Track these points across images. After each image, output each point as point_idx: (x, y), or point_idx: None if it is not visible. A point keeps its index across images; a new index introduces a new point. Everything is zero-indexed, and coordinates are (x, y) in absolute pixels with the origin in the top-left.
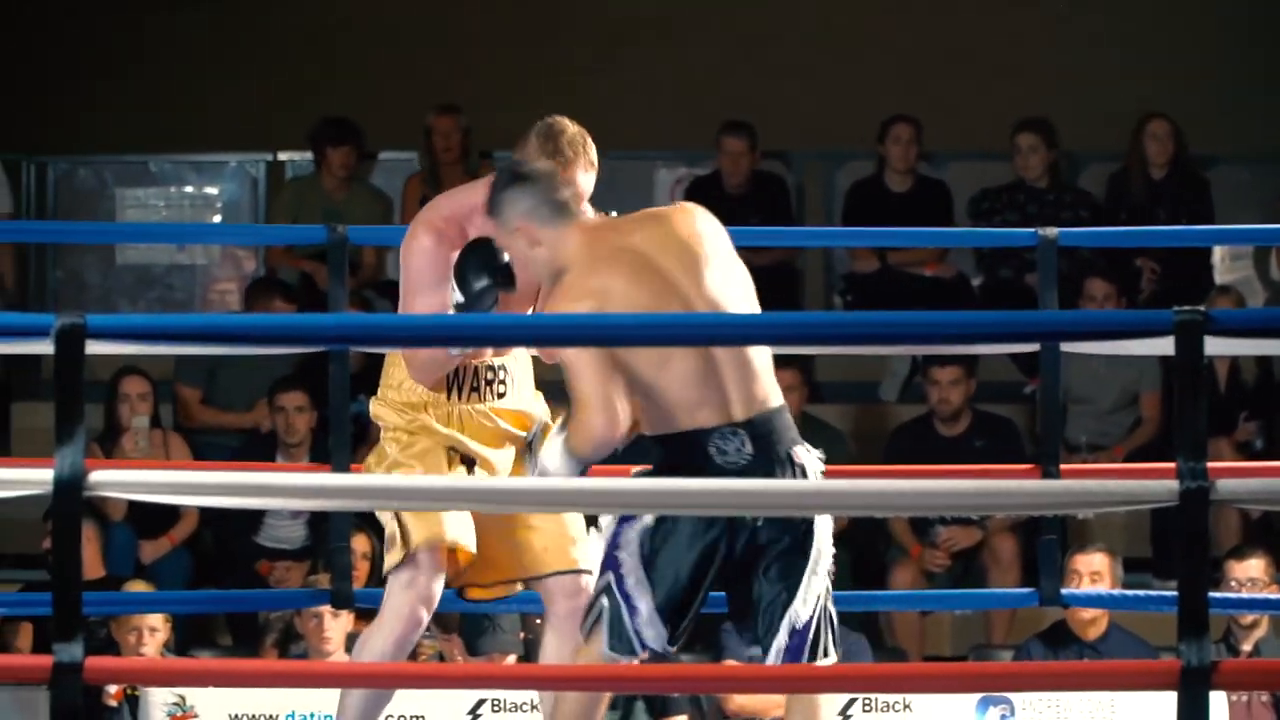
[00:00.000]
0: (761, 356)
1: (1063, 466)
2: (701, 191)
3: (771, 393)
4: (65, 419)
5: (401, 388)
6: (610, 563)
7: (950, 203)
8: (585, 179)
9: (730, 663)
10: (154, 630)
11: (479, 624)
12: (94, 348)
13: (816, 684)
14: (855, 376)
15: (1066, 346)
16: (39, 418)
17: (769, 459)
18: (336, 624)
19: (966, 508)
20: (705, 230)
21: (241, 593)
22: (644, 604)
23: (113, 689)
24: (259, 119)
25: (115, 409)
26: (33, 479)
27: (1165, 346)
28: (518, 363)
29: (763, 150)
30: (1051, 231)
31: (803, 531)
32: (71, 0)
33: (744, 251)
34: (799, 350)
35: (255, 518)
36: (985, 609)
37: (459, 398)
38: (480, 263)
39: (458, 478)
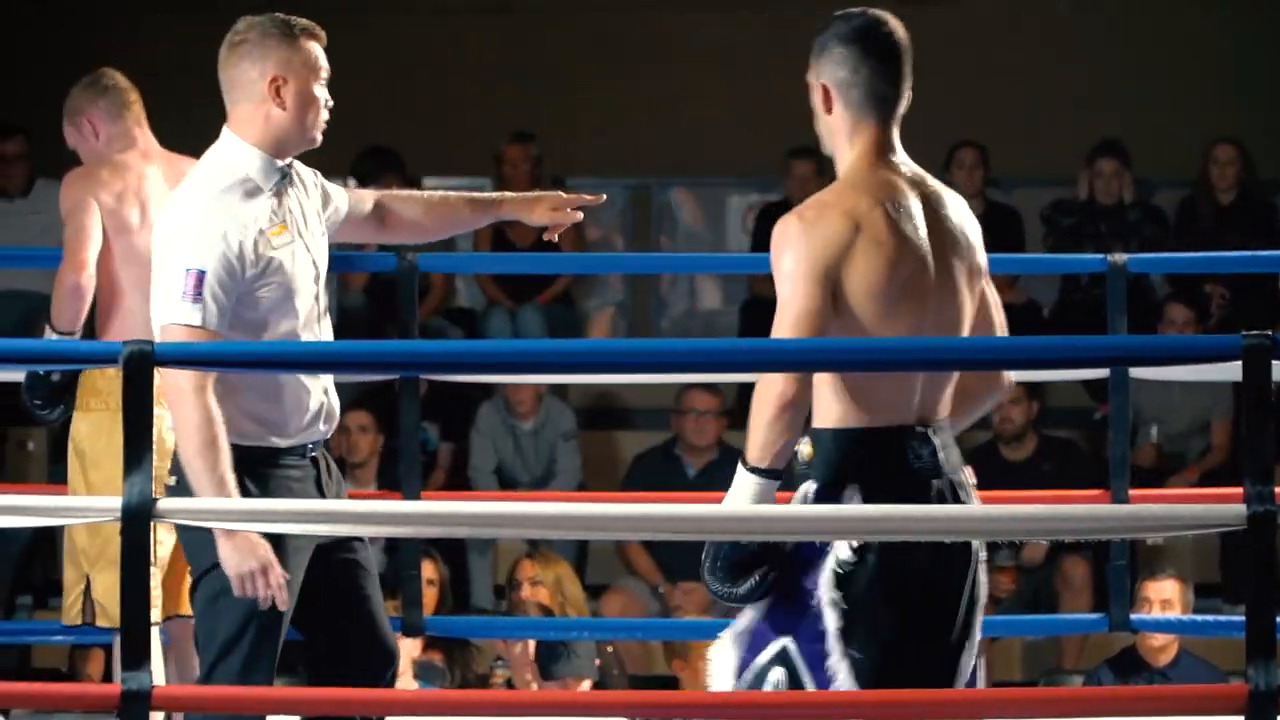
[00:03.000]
0: None
1: (1131, 491)
2: (772, 218)
3: (950, 402)
4: (133, 446)
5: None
6: (789, 619)
7: (1021, 228)
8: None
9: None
10: None
11: (554, 650)
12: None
13: (886, 709)
14: None
15: (1136, 372)
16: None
17: (946, 470)
18: (403, 650)
19: (1035, 533)
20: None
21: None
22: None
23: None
24: (327, 144)
25: None
26: (102, 506)
27: (1234, 371)
28: None
29: (834, 176)
30: (1121, 257)
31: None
32: (120, 28)
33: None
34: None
35: None
36: (1056, 634)
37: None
38: None
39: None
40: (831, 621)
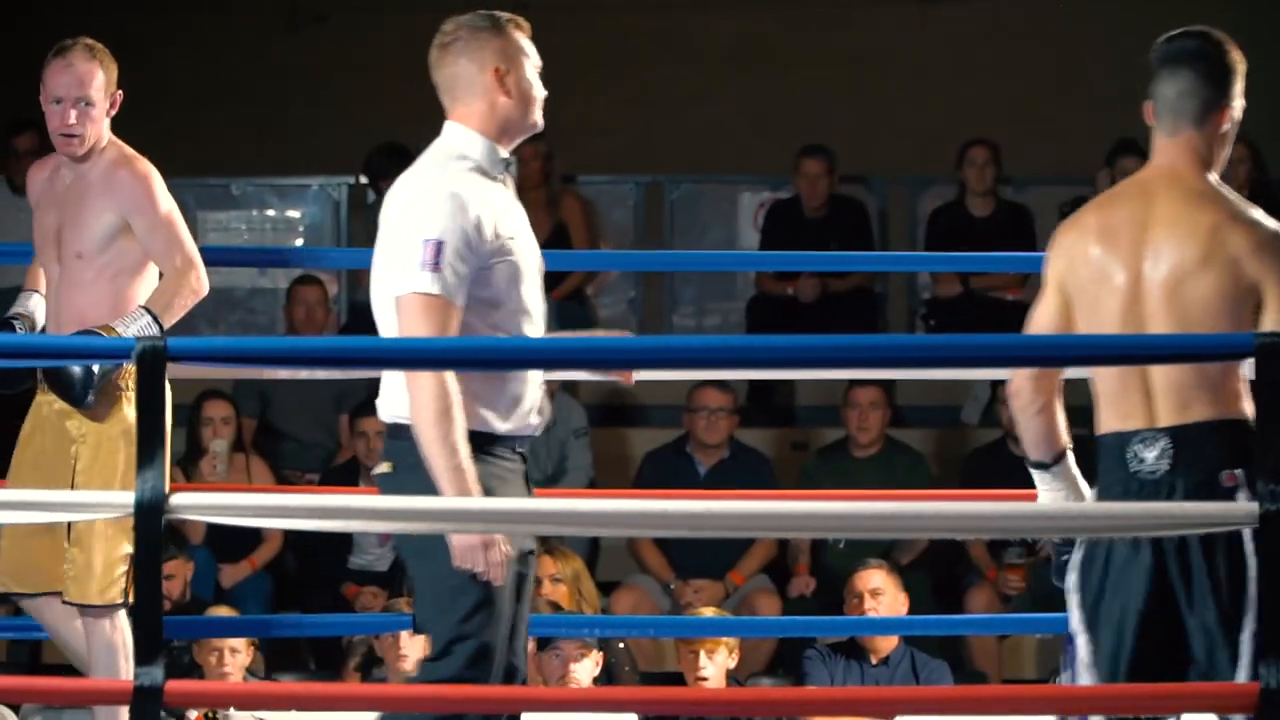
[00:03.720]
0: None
1: None
2: (781, 215)
3: (1209, 405)
4: (146, 442)
5: None
6: None
7: (1033, 226)
8: None
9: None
10: (235, 652)
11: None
12: (175, 370)
13: (896, 706)
14: (937, 400)
15: None
16: None
17: (1192, 475)
18: (413, 647)
19: (1046, 529)
20: None
21: (323, 617)
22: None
23: (193, 713)
24: (341, 142)
25: (198, 432)
26: (114, 502)
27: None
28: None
29: (844, 175)
30: None
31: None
32: (154, 27)
33: (827, 276)
34: (881, 374)
35: (345, 542)
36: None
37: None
38: None
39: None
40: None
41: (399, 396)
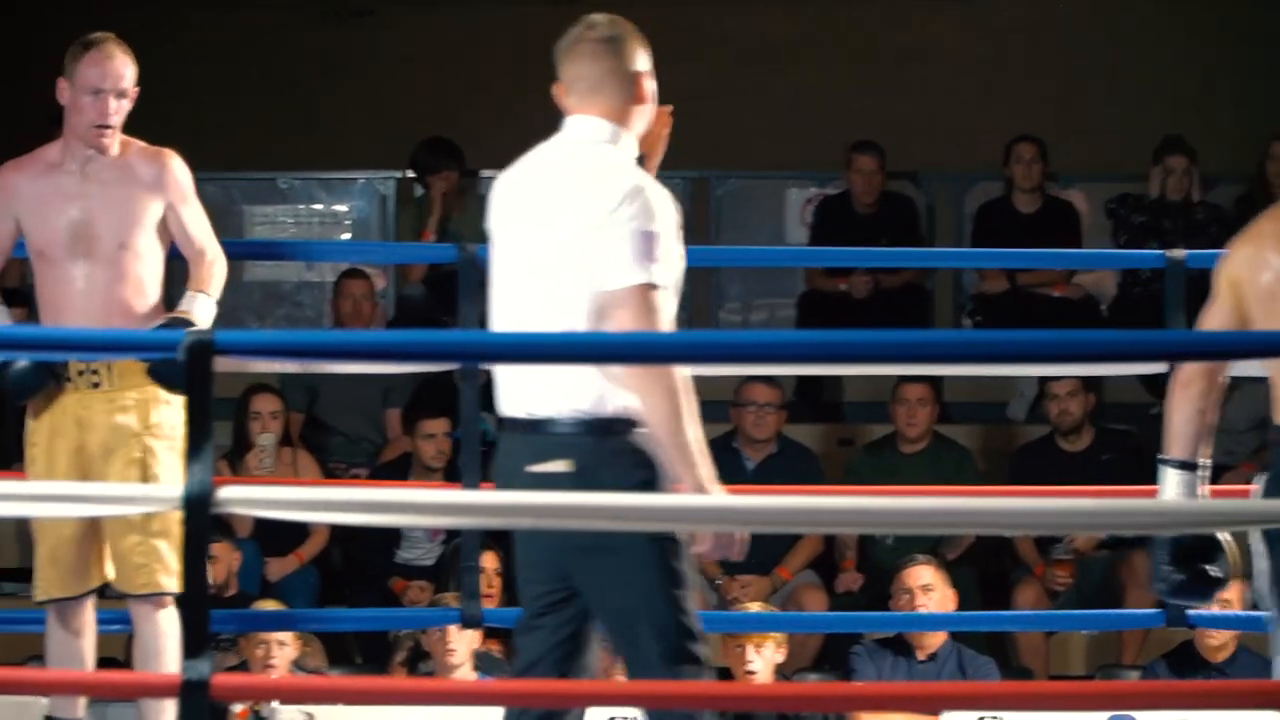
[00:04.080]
0: None
1: None
2: (832, 211)
3: None
4: (194, 435)
5: None
6: None
7: (1079, 223)
8: None
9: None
10: (282, 645)
11: None
12: (222, 364)
13: (943, 702)
14: (983, 397)
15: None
16: None
17: None
18: (462, 641)
19: (1093, 526)
20: None
21: (370, 611)
22: None
23: (238, 707)
24: (389, 136)
25: (245, 426)
26: (161, 495)
27: None
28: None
29: (892, 171)
30: (1179, 253)
31: None
32: (201, 19)
33: (879, 272)
34: (928, 370)
35: (393, 537)
36: (1115, 629)
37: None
38: None
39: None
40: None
41: (575, 391)
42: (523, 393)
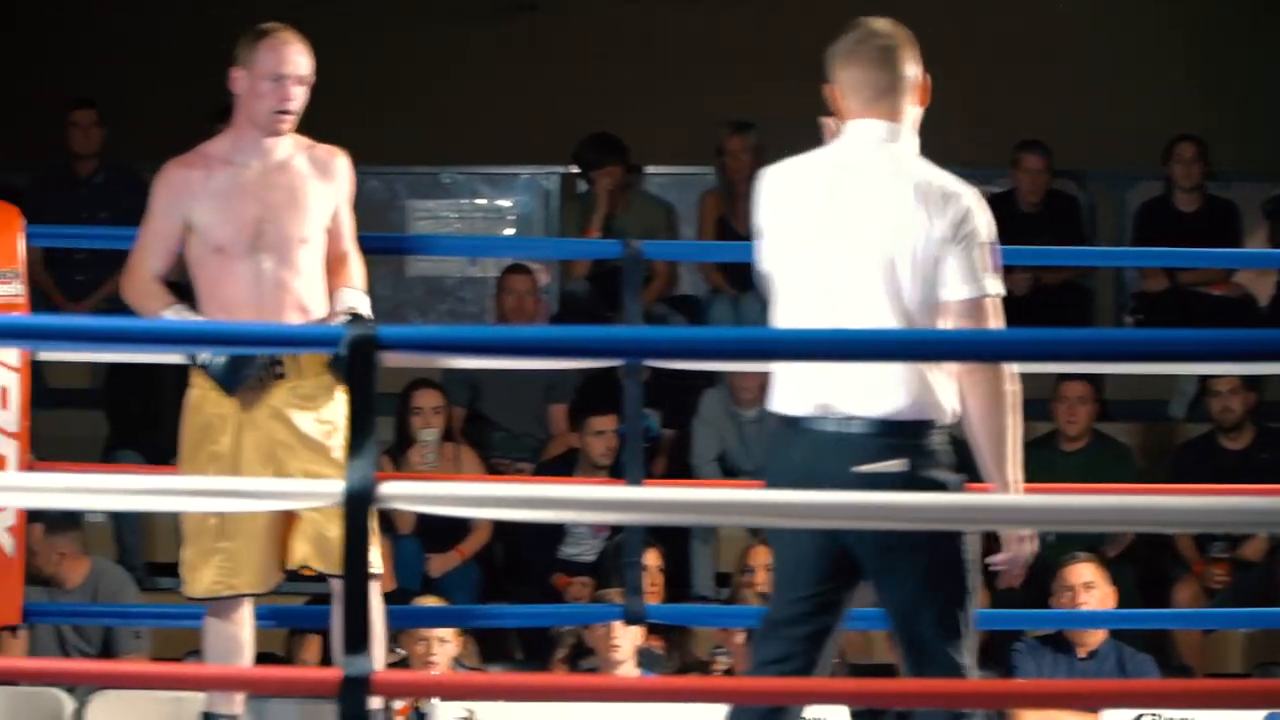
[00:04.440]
0: None
1: None
2: (996, 209)
3: None
4: (357, 431)
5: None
6: None
7: (1239, 222)
8: None
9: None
10: (443, 642)
11: None
12: (386, 359)
13: (1103, 699)
14: (1144, 395)
15: None
16: None
17: None
18: (626, 637)
19: (1254, 525)
20: None
21: (532, 607)
22: None
23: (399, 703)
24: (552, 131)
25: (407, 421)
26: (323, 491)
27: None
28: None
29: (1056, 170)
30: None
31: None
32: (363, 16)
33: (1035, 269)
34: (1089, 368)
35: (556, 533)
36: (1273, 627)
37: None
38: None
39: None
40: None
41: (903, 391)
42: (840, 392)
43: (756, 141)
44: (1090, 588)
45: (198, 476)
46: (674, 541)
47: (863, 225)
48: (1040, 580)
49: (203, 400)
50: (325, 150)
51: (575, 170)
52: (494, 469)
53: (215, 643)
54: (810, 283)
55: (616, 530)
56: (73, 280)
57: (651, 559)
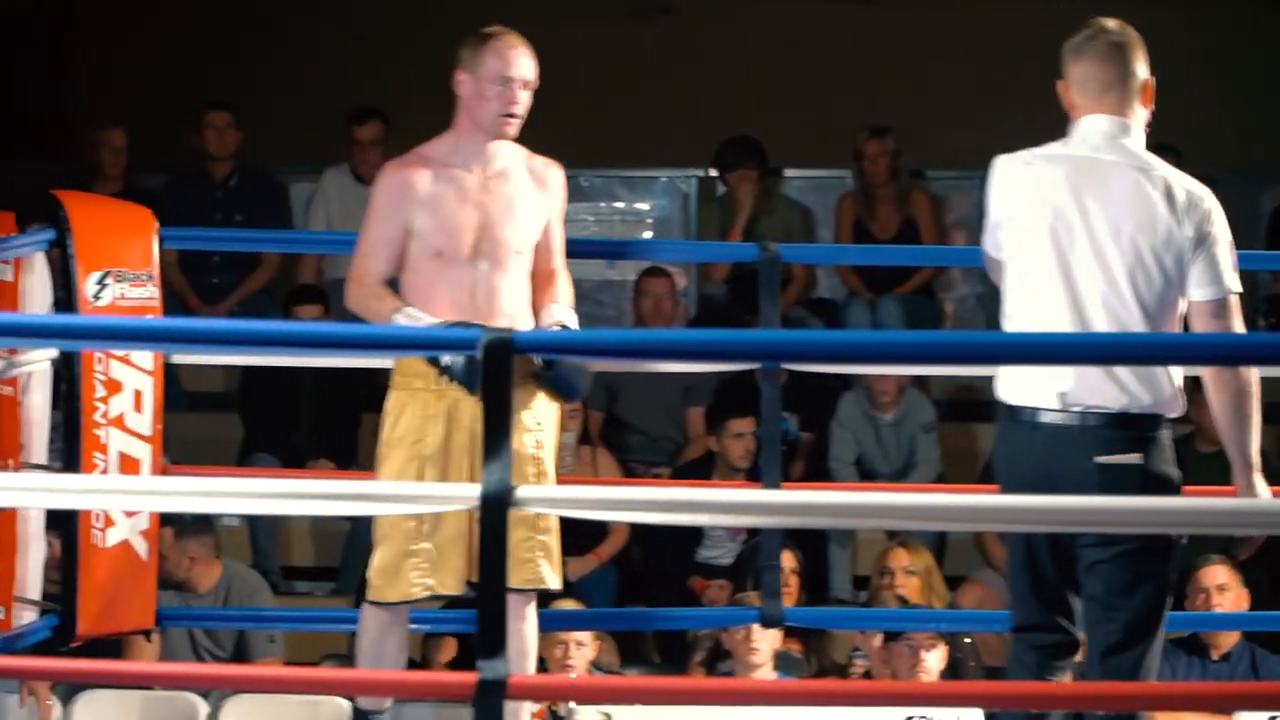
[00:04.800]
0: None
1: None
2: None
3: None
4: (493, 434)
5: (401, 374)
6: None
7: None
8: None
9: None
10: (580, 645)
11: None
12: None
13: (1237, 701)
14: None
15: None
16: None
17: None
18: (765, 641)
19: None
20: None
21: (670, 610)
22: None
23: (535, 706)
24: (690, 134)
25: None
26: (460, 495)
27: None
28: None
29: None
30: None
31: None
32: (502, 18)
33: None
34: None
35: (693, 536)
36: None
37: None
38: None
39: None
40: None
41: (1141, 385)
42: (1081, 385)
43: (894, 145)
44: (1223, 590)
45: (395, 481)
46: (811, 544)
47: (1108, 222)
48: (1176, 583)
49: (408, 402)
50: (542, 162)
51: (713, 173)
52: (631, 472)
53: (376, 647)
54: (1051, 276)
55: (754, 533)
56: (208, 283)
57: (788, 562)
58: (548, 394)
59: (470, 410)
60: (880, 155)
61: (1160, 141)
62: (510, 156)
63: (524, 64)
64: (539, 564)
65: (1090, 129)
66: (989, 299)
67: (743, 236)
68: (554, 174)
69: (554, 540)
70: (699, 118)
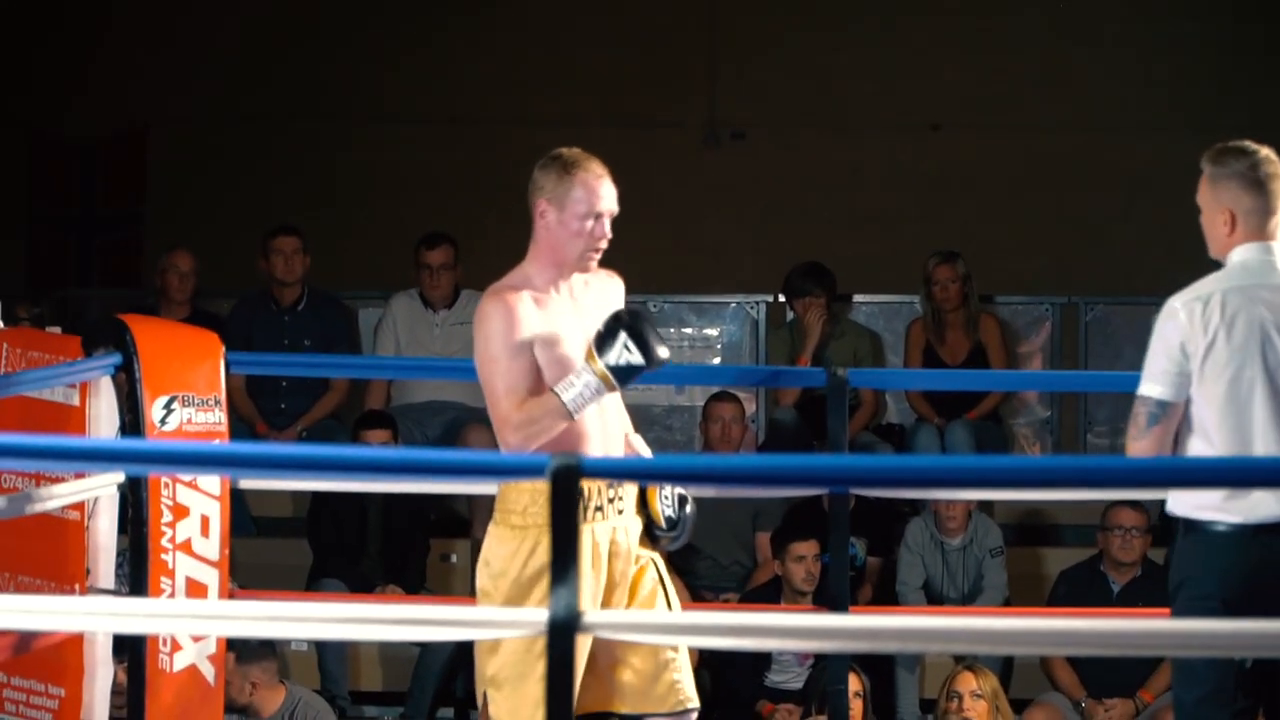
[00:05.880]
0: None
1: None
2: None
3: None
4: (560, 558)
5: (526, 512)
6: None
7: None
8: None
9: None
10: None
11: None
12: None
13: None
14: None
15: None
16: (459, 555)
17: None
18: None
19: None
20: None
21: None
22: None
23: None
24: (760, 260)
25: None
26: (527, 620)
27: None
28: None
29: None
30: None
31: None
32: (570, 140)
33: None
34: None
35: (762, 660)
36: None
37: (584, 517)
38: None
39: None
40: None
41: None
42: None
43: (965, 270)
44: None
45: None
46: (879, 668)
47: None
48: None
49: (538, 539)
50: (605, 273)
51: (781, 299)
52: (699, 597)
53: None
54: (1238, 407)
55: (821, 658)
56: (276, 409)
57: (854, 685)
58: (659, 550)
59: (607, 536)
60: (950, 280)
61: None
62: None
63: (610, 195)
64: (684, 685)
65: (1252, 257)
66: (1056, 423)
67: (811, 362)
68: (617, 285)
69: (683, 653)
70: (768, 243)
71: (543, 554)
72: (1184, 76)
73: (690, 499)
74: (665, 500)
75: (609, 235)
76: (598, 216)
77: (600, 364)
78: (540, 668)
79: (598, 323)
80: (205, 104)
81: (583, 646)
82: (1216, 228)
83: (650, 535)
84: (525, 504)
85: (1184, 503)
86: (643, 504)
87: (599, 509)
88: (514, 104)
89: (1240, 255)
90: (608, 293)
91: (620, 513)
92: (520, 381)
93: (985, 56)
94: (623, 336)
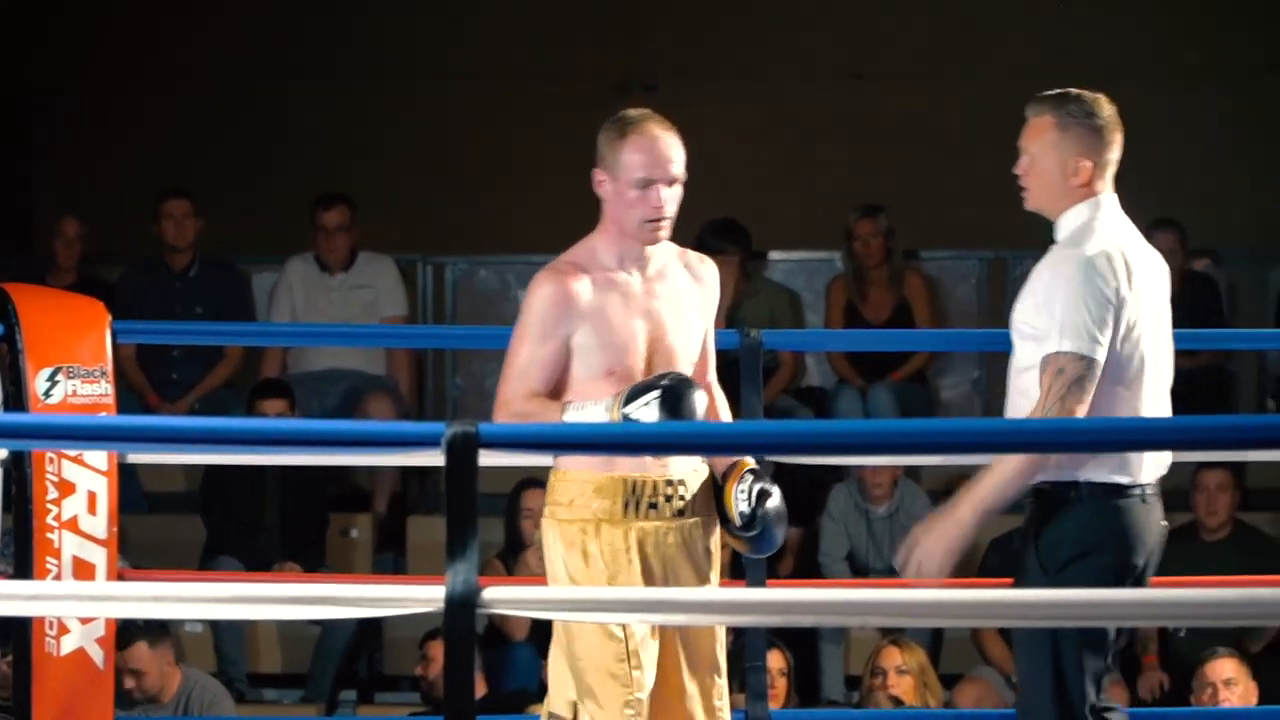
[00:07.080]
0: None
1: None
2: None
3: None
4: (457, 533)
5: (573, 505)
6: None
7: None
8: None
9: None
10: None
11: None
12: (488, 458)
13: None
14: None
15: None
16: (435, 532)
17: None
18: None
19: None
20: None
21: None
22: None
23: None
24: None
25: (517, 524)
26: (424, 596)
27: None
28: (696, 475)
29: (1191, 248)
30: None
31: None
32: (472, 100)
33: (1177, 355)
34: (1230, 455)
35: None
36: None
37: (635, 514)
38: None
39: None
40: None
41: None
42: (1162, 461)
43: (888, 225)
44: (1231, 684)
45: (610, 636)
46: (803, 644)
47: (1163, 311)
48: (1181, 677)
49: (594, 536)
50: (696, 256)
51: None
52: None
53: None
54: (1143, 368)
55: (739, 633)
56: (167, 379)
57: (776, 662)
58: (743, 549)
59: (657, 536)
60: (873, 236)
61: (1163, 216)
62: (665, 253)
63: (669, 159)
64: (726, 711)
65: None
66: (985, 385)
67: (724, 323)
68: (710, 270)
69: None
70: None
71: (596, 548)
72: (1119, 25)
73: (774, 494)
74: (741, 495)
75: (669, 203)
76: (650, 185)
77: (619, 410)
78: (625, 670)
79: (670, 313)
80: (97, 68)
81: (649, 666)
82: (1063, 178)
83: (731, 534)
84: (572, 496)
85: (1086, 468)
86: (718, 500)
87: (652, 506)
88: (413, 61)
89: (1110, 207)
90: (693, 286)
91: (681, 513)
92: (534, 369)
93: (908, 1)
94: (654, 395)
